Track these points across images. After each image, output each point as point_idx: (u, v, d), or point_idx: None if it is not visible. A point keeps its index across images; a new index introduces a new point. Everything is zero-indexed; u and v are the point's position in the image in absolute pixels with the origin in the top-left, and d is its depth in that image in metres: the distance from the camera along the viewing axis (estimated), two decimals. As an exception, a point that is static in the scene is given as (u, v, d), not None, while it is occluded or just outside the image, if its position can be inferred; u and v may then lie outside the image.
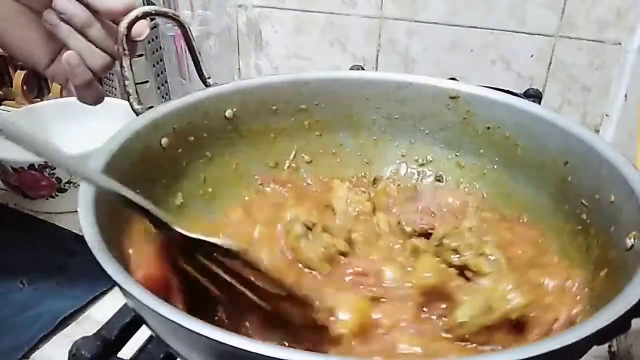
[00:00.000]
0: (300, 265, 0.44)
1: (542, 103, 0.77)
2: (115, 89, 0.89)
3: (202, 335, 0.27)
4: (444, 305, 0.40)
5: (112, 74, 0.88)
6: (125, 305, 0.41)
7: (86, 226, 0.34)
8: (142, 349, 0.45)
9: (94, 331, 0.40)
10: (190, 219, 0.48)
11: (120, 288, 0.31)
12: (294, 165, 0.57)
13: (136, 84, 0.48)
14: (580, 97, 0.80)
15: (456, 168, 0.56)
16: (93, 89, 0.50)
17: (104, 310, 0.56)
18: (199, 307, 0.36)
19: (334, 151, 0.58)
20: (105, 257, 0.32)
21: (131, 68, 0.47)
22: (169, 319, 0.28)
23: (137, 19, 0.46)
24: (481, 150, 0.54)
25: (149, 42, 0.85)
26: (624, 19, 0.73)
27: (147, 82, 0.86)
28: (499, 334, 0.37)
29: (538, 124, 0.49)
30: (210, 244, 0.36)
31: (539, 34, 0.78)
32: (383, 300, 0.41)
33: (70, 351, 0.38)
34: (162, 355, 0.44)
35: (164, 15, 0.50)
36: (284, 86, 0.55)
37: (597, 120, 0.80)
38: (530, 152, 0.50)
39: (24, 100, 0.95)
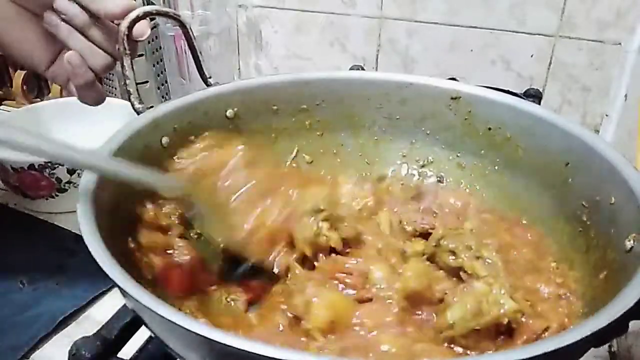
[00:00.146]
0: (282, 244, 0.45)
1: (542, 103, 0.76)
2: (116, 88, 0.89)
3: (202, 335, 0.27)
4: (428, 310, 0.40)
5: (113, 74, 0.88)
6: (125, 305, 0.41)
7: (85, 226, 0.34)
8: (142, 349, 0.45)
9: (94, 331, 0.40)
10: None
11: (120, 288, 0.31)
12: (294, 165, 0.57)
13: (137, 83, 0.48)
14: (580, 97, 0.80)
15: (457, 169, 0.56)
16: (94, 90, 0.50)
17: (104, 310, 0.56)
18: None
19: (334, 151, 0.58)
20: (105, 257, 0.32)
21: (132, 67, 0.47)
22: (168, 319, 0.28)
23: (137, 18, 0.46)
24: (482, 151, 0.54)
25: (149, 42, 0.85)
26: (624, 19, 0.73)
27: (147, 82, 0.86)
28: (487, 338, 0.37)
29: (539, 125, 0.49)
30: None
31: (539, 34, 0.78)
32: (367, 300, 0.42)
33: (70, 351, 0.38)
34: (162, 355, 0.44)
35: (165, 15, 0.50)
36: (285, 86, 0.55)
37: (597, 120, 0.80)
38: (531, 153, 0.50)
39: (24, 100, 0.95)
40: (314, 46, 0.92)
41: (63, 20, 0.47)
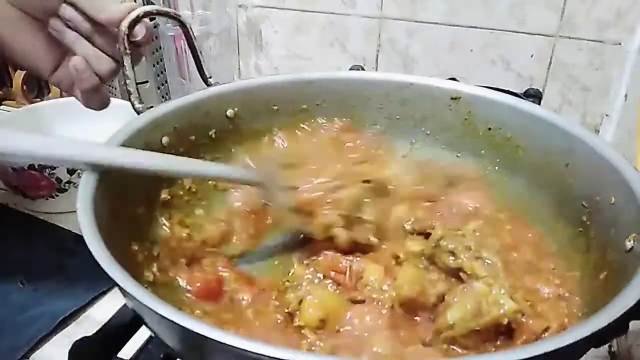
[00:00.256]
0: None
1: (542, 103, 0.76)
2: (116, 88, 0.89)
3: (202, 335, 0.27)
4: (424, 315, 0.40)
5: (113, 74, 0.88)
6: (125, 305, 0.41)
7: (86, 226, 0.34)
8: (142, 349, 0.45)
9: (94, 331, 0.40)
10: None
11: (120, 288, 0.31)
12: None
13: (137, 83, 0.48)
14: (580, 97, 0.80)
15: (457, 169, 0.56)
16: (99, 95, 0.50)
17: (104, 310, 0.56)
18: None
19: (335, 151, 0.58)
20: (105, 257, 0.32)
21: (132, 67, 0.47)
22: (168, 319, 0.28)
23: (138, 18, 0.46)
24: (482, 152, 0.54)
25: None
26: (624, 19, 0.73)
27: (147, 82, 0.86)
28: (487, 338, 0.37)
29: (539, 125, 0.49)
30: None
31: (539, 34, 0.78)
32: (360, 302, 0.42)
33: (70, 351, 0.38)
34: (162, 355, 0.44)
35: (165, 15, 0.50)
36: (285, 86, 0.55)
37: (597, 120, 0.80)
38: (531, 154, 0.50)
39: (24, 100, 0.95)
40: (314, 46, 0.92)
41: (68, 26, 0.47)
